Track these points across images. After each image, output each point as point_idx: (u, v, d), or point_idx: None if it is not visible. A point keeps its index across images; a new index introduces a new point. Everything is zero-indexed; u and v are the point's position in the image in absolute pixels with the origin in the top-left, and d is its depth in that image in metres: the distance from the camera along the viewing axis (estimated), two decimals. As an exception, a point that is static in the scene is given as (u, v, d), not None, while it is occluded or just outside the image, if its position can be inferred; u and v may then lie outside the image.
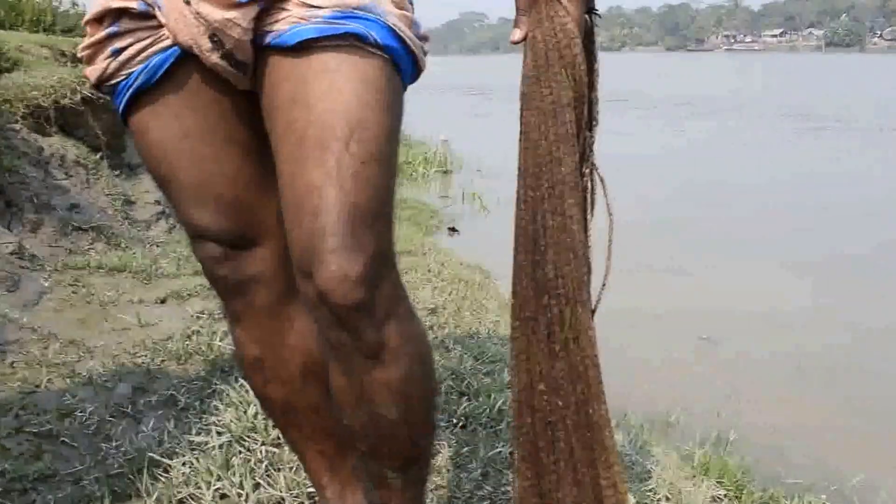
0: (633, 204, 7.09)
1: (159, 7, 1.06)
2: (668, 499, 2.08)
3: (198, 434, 2.00)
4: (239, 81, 1.12)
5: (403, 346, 1.11)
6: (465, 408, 2.23)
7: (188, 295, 3.15)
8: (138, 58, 1.10)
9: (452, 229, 6.81)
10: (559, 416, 1.12)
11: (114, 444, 1.99)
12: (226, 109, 1.15)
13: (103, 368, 2.43)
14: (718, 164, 10.97)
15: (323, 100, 1.02)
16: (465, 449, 2.01)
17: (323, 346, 1.16)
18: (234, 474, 1.78)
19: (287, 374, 1.32)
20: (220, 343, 2.61)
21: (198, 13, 1.04)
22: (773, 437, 3.25)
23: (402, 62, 1.10)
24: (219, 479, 1.75)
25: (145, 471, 1.81)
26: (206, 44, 1.06)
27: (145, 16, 1.08)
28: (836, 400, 3.77)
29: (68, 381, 2.34)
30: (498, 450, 1.98)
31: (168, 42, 1.09)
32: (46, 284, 3.15)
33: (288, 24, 1.04)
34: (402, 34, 1.08)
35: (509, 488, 1.80)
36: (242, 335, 1.33)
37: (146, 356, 2.57)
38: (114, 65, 1.10)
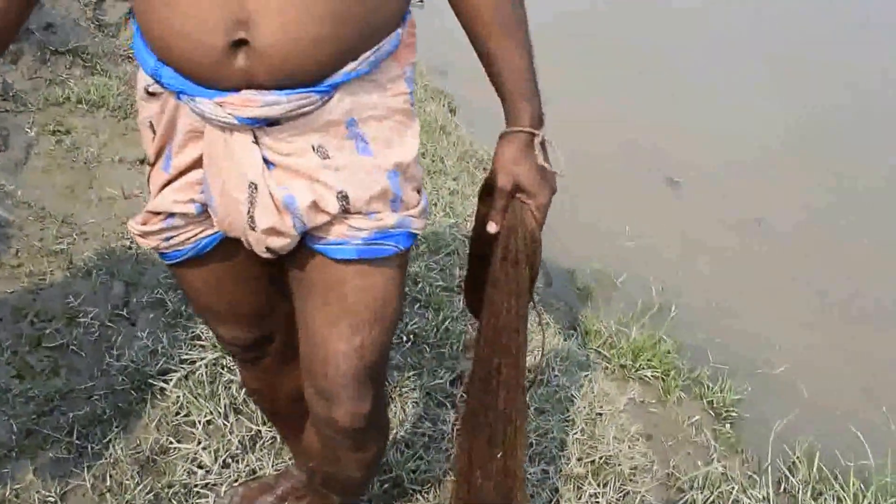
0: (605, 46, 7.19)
1: (214, 213, 1.33)
2: (596, 394, 2.73)
3: (188, 348, 2.62)
4: None
5: (378, 436, 1.68)
6: (415, 323, 2.83)
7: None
8: (188, 242, 1.40)
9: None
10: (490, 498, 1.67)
11: (115, 353, 2.57)
12: (253, 260, 1.44)
13: (97, 257, 2.99)
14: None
15: (356, 296, 1.38)
16: (411, 374, 2.64)
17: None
18: (220, 402, 2.42)
19: (279, 401, 1.86)
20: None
21: (259, 240, 1.31)
22: (716, 309, 3.86)
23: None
24: (209, 413, 2.39)
25: (147, 392, 2.45)
26: (261, 248, 1.33)
27: (199, 214, 1.36)
28: (788, 281, 4.31)
29: (68, 273, 2.90)
30: (440, 380, 2.61)
31: (215, 229, 1.39)
32: (32, 134, 3.61)
33: (333, 237, 1.32)
34: (417, 231, 1.42)
35: (446, 427, 2.46)
36: (247, 376, 1.85)
37: (133, 238, 3.11)
38: (164, 245, 1.40)
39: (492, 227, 1.42)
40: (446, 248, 3.34)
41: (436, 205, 3.67)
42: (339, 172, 1.26)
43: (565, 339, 3.11)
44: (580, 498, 2.33)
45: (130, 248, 3.06)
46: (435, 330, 2.82)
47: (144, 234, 1.40)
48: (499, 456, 1.63)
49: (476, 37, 1.35)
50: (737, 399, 3.24)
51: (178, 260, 1.44)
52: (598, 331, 3.40)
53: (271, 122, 1.20)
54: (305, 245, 1.35)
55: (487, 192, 1.44)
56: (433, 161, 4.09)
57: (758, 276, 4.31)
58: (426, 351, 2.75)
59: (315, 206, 1.27)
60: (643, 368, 3.23)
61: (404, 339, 2.76)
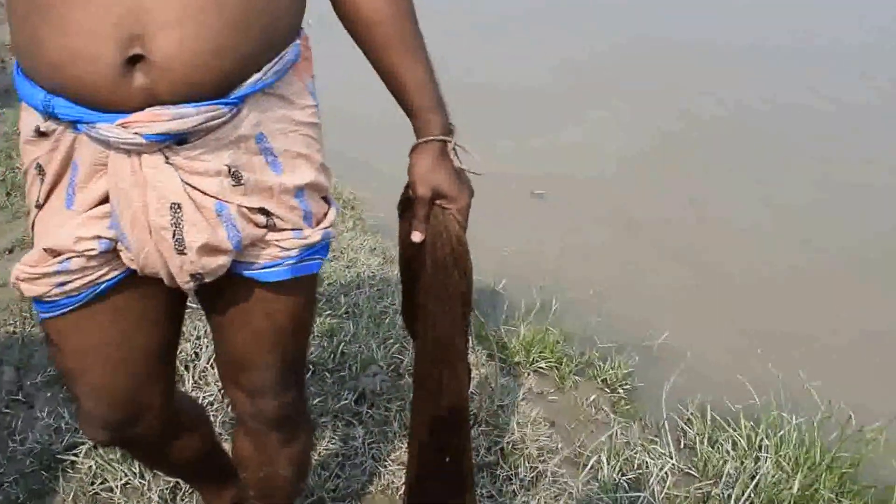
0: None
1: (127, 246, 1.25)
2: (494, 389, 2.90)
3: (90, 420, 2.67)
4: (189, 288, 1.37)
5: (303, 427, 1.77)
6: (312, 353, 2.96)
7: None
8: (85, 287, 1.29)
9: None
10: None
11: (18, 438, 2.61)
12: (144, 316, 1.40)
13: (-19, 346, 3.02)
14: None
15: (283, 312, 1.46)
16: (316, 401, 2.76)
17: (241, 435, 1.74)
18: (133, 463, 2.47)
19: (173, 468, 1.90)
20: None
21: (192, 262, 1.26)
22: (595, 298, 4.08)
23: None
24: (124, 475, 2.45)
25: (57, 470, 2.49)
26: (185, 278, 1.29)
27: (103, 252, 1.26)
28: (660, 257, 4.70)
29: (-45, 368, 2.92)
30: (344, 401, 2.74)
31: (119, 270, 1.31)
32: None
33: (264, 260, 1.34)
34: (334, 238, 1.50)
35: (357, 443, 2.59)
36: (128, 451, 1.79)
37: (15, 323, 3.15)
38: (56, 291, 1.28)
39: (417, 237, 1.48)
40: (327, 278, 3.48)
41: (312, 242, 3.82)
42: (250, 197, 1.27)
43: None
44: (495, 483, 2.49)
45: (15, 332, 3.08)
46: (332, 355, 2.95)
47: (34, 278, 1.27)
48: (448, 459, 1.72)
49: (375, 54, 1.40)
50: (627, 372, 3.48)
51: (65, 310, 1.33)
52: (487, 335, 3.59)
53: (180, 141, 1.17)
54: (232, 273, 1.35)
55: (406, 206, 1.52)
56: (302, 203, 4.24)
57: (628, 263, 4.63)
58: (327, 377, 2.87)
59: (244, 214, 1.27)
60: (537, 361, 3.43)
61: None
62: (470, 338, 1.66)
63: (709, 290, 4.36)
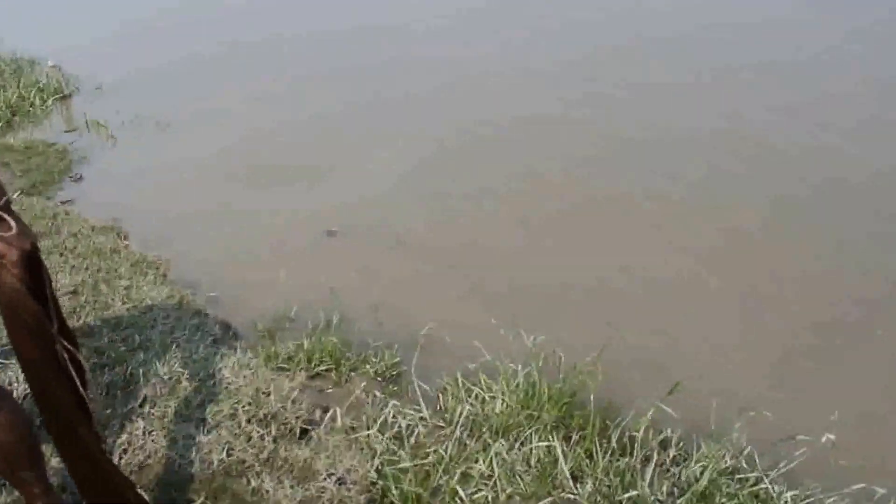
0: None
1: None
2: (263, 382, 3.53)
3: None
4: None
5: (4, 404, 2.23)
6: (107, 378, 3.56)
7: None
8: None
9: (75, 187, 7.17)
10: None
11: None
12: None
13: None
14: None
15: None
16: (108, 410, 3.36)
17: None
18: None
19: None
20: None
21: None
22: (372, 309, 4.81)
23: None
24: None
25: None
26: None
27: None
28: (430, 268, 5.45)
29: None
30: (131, 406, 3.35)
31: None
32: None
33: None
34: None
35: (139, 432, 3.18)
36: None
37: None
38: None
39: None
40: (123, 323, 4.08)
41: (113, 298, 4.40)
42: None
43: (241, 358, 3.90)
44: (249, 440, 3.13)
45: None
46: (122, 377, 3.53)
47: None
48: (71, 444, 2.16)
49: None
50: (396, 361, 4.16)
51: None
52: (276, 353, 4.22)
53: None
54: None
55: None
56: (108, 273, 4.81)
57: (397, 274, 5.39)
58: (118, 395, 3.46)
59: None
60: (319, 366, 4.09)
61: (101, 392, 3.46)
62: (66, 356, 2.04)
63: (459, 286, 5.18)
